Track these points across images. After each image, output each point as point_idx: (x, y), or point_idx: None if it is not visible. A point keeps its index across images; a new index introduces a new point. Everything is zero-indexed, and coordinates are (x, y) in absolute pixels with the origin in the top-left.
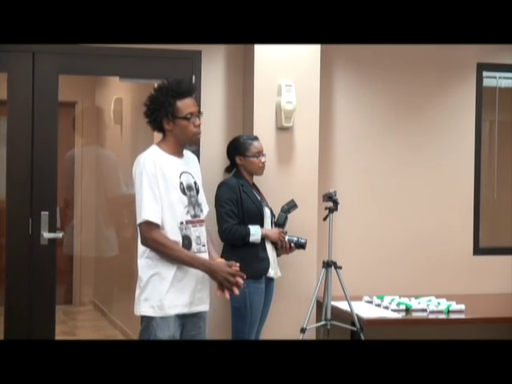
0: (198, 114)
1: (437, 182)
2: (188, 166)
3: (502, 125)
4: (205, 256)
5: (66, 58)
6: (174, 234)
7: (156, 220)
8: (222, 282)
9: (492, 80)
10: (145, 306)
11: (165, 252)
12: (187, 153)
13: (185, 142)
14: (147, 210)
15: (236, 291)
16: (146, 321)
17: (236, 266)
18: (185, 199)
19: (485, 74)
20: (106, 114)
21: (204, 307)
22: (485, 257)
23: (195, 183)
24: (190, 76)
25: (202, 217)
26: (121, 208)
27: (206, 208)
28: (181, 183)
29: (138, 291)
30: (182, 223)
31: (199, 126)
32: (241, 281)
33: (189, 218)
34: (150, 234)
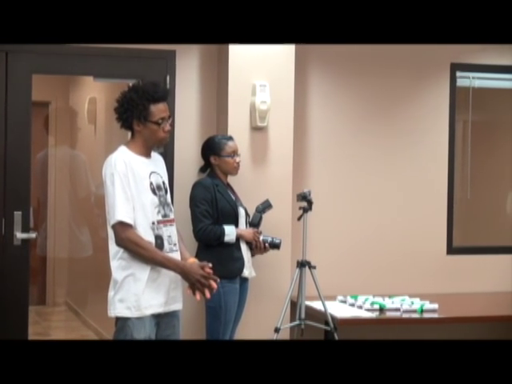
0: (169, 118)
1: (411, 181)
2: (156, 167)
3: (476, 125)
4: (176, 255)
5: (40, 57)
6: (146, 235)
7: (129, 220)
8: (194, 284)
9: (465, 80)
10: (120, 307)
11: (139, 252)
12: (154, 154)
13: (152, 144)
14: (120, 211)
15: (207, 294)
16: (122, 322)
17: (209, 268)
18: (155, 199)
19: (458, 74)
20: (79, 114)
21: (178, 306)
22: (458, 256)
23: (164, 183)
24: (165, 76)
25: (172, 216)
26: (94, 208)
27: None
28: (151, 183)
29: (111, 292)
30: (153, 223)
31: (168, 131)
32: (214, 284)
33: (160, 217)
34: (125, 234)
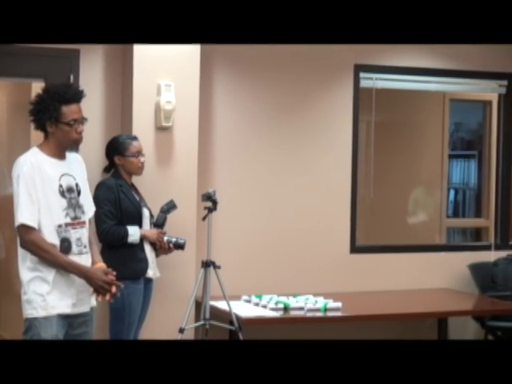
0: (82, 120)
1: (315, 181)
2: (70, 168)
3: (379, 125)
4: (86, 258)
5: None
6: (51, 237)
7: (32, 223)
8: (97, 289)
9: (368, 81)
10: (28, 308)
11: (41, 255)
12: (72, 154)
13: (66, 146)
14: (23, 213)
15: (109, 299)
16: (29, 321)
17: (112, 275)
18: (64, 202)
19: (362, 75)
20: None
21: (86, 308)
22: (361, 255)
23: (77, 185)
24: (68, 75)
25: (84, 218)
26: (4, 210)
27: (93, 209)
28: (60, 186)
29: (22, 295)
30: (60, 226)
31: (81, 132)
32: (115, 290)
33: (68, 220)
34: (28, 236)
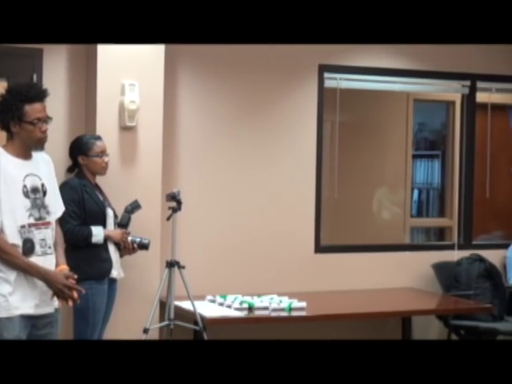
0: (47, 119)
1: (279, 181)
2: (36, 168)
3: (343, 125)
4: (50, 258)
5: None
6: (14, 238)
7: None
8: (56, 293)
9: (333, 81)
10: None
11: (2, 257)
12: (40, 154)
13: (31, 145)
14: None
15: (70, 303)
16: None
17: (73, 279)
18: (27, 202)
19: (326, 75)
20: None
21: (50, 309)
22: (326, 255)
23: (43, 185)
24: (31, 75)
25: (49, 219)
26: None
27: (61, 209)
28: (24, 186)
29: None
30: (23, 226)
31: (46, 131)
32: (75, 294)
33: (32, 221)
34: None
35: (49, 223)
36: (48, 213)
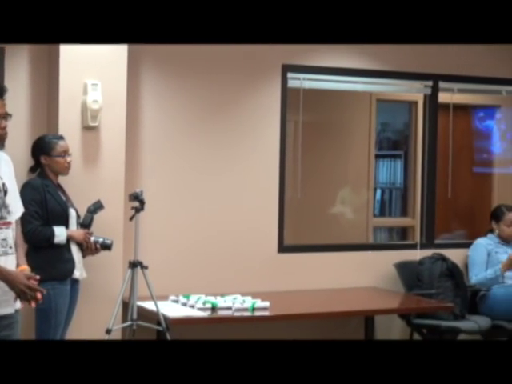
0: (6, 115)
1: (243, 181)
2: None
3: (306, 125)
4: (12, 259)
5: None
6: None
7: None
8: (18, 294)
9: (296, 81)
10: None
11: None
12: (0, 154)
13: None
14: None
15: (32, 304)
16: None
17: (35, 280)
18: None
19: (289, 75)
20: None
21: (10, 310)
22: (289, 254)
23: (3, 185)
24: None
25: (10, 219)
26: None
27: (21, 210)
28: None
29: None
30: None
31: (5, 128)
32: (39, 295)
33: None
34: None
35: (9, 223)
36: (9, 212)
